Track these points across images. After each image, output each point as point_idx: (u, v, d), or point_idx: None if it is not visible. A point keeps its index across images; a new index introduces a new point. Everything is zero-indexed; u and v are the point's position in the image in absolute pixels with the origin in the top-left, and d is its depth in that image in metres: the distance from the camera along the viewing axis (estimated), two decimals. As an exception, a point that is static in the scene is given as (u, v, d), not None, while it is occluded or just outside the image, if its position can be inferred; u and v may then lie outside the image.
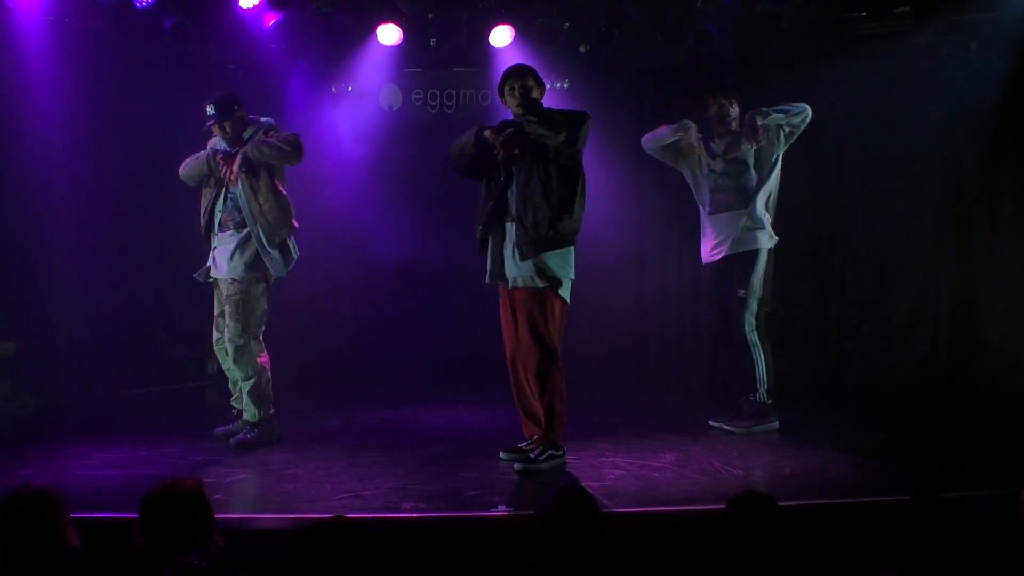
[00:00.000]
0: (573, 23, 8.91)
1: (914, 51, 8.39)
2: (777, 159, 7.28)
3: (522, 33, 8.90)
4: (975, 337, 8.49)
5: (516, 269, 6.17)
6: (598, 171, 9.40)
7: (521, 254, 6.10)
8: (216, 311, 6.92)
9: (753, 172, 7.29)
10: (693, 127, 7.40)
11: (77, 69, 8.47)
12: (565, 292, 6.23)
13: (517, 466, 6.12)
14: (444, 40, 9.12)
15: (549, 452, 6.18)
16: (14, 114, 8.22)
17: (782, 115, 7.16)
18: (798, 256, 9.03)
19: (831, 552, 4.85)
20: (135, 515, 3.65)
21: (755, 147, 7.23)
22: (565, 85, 9.62)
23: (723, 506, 3.74)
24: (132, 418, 8.08)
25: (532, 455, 6.18)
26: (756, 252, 7.25)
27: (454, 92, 9.75)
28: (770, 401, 7.27)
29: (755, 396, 7.28)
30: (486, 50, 9.13)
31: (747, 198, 7.27)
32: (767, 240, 7.28)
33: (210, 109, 6.70)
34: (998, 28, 8.07)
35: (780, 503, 3.74)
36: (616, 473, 6.15)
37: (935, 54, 8.35)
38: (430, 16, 8.85)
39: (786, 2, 8.47)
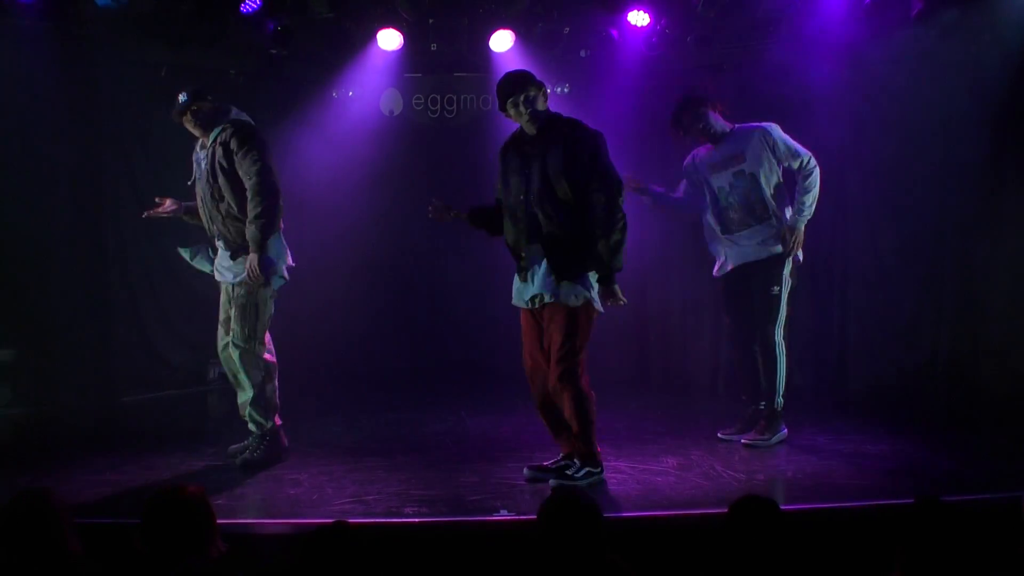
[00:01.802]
0: (573, 27, 8.92)
1: (914, 53, 8.38)
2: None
3: (523, 38, 8.91)
4: (978, 340, 8.47)
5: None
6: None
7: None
8: (221, 316, 6.75)
9: (763, 184, 7.07)
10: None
11: (79, 75, 8.47)
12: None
13: (552, 482, 5.91)
14: (445, 45, 9.13)
15: (587, 469, 5.98)
16: (16, 120, 8.23)
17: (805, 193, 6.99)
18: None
19: (833, 557, 4.85)
20: (137, 520, 3.65)
21: (760, 165, 7.05)
22: (566, 90, 9.63)
23: (725, 510, 3.74)
24: (134, 424, 8.09)
25: (569, 472, 6.00)
26: (777, 256, 7.09)
27: (455, 97, 9.75)
28: (782, 408, 7.08)
29: (773, 403, 7.05)
30: (487, 55, 9.14)
31: (762, 212, 7.11)
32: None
33: (176, 103, 6.62)
34: (999, 29, 8.07)
35: (782, 507, 3.74)
36: (618, 477, 6.15)
37: (936, 56, 8.34)
38: (431, 21, 8.87)
39: (785, 6, 8.48)
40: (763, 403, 7.12)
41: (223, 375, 6.94)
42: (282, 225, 6.65)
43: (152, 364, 9.26)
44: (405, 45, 8.95)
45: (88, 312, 8.86)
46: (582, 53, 9.21)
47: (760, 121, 7.21)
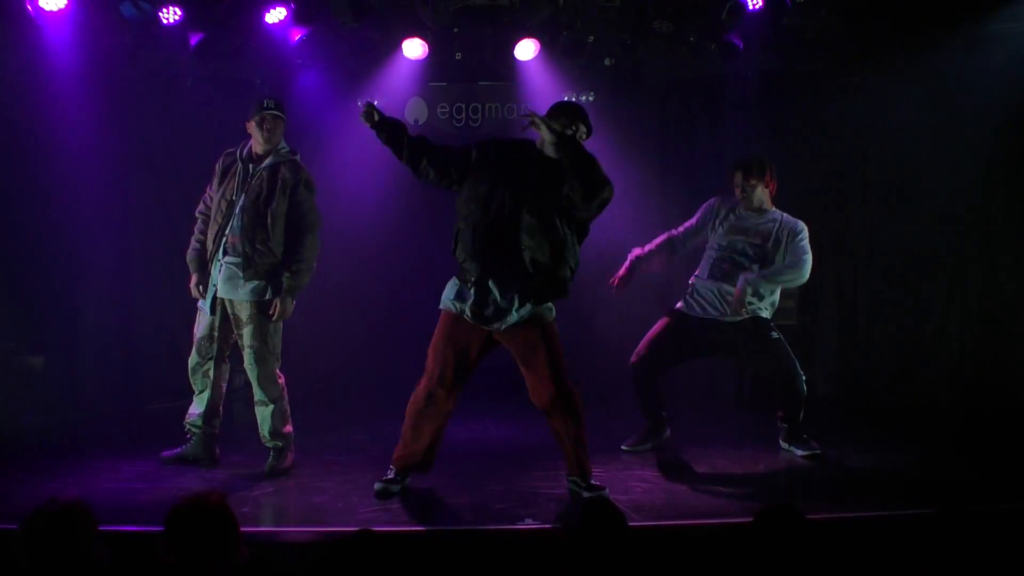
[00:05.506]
0: (598, 36, 8.91)
1: (939, 62, 8.36)
2: None
3: (547, 47, 8.91)
4: (1003, 347, 8.44)
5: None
6: (623, 182, 9.44)
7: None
8: (201, 333, 6.68)
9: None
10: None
11: (106, 85, 8.52)
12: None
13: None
14: (469, 54, 9.14)
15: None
16: (44, 129, 8.28)
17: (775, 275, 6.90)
18: (824, 267, 9.00)
19: (858, 566, 4.83)
20: (162, 528, 3.66)
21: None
22: (590, 98, 9.62)
23: (750, 519, 3.73)
24: (160, 431, 8.10)
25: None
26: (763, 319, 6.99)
27: (479, 106, 9.74)
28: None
29: (799, 422, 6.97)
30: (511, 64, 9.14)
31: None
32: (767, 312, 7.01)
33: (270, 103, 6.54)
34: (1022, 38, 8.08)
35: (807, 516, 3.72)
36: (643, 486, 6.14)
37: (961, 65, 8.32)
38: (455, 30, 8.88)
39: (811, 14, 8.44)
40: (784, 423, 7.03)
41: (247, 383, 6.82)
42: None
43: (178, 372, 9.27)
44: (430, 54, 8.96)
45: (114, 320, 8.90)
46: (607, 62, 9.20)
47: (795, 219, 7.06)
